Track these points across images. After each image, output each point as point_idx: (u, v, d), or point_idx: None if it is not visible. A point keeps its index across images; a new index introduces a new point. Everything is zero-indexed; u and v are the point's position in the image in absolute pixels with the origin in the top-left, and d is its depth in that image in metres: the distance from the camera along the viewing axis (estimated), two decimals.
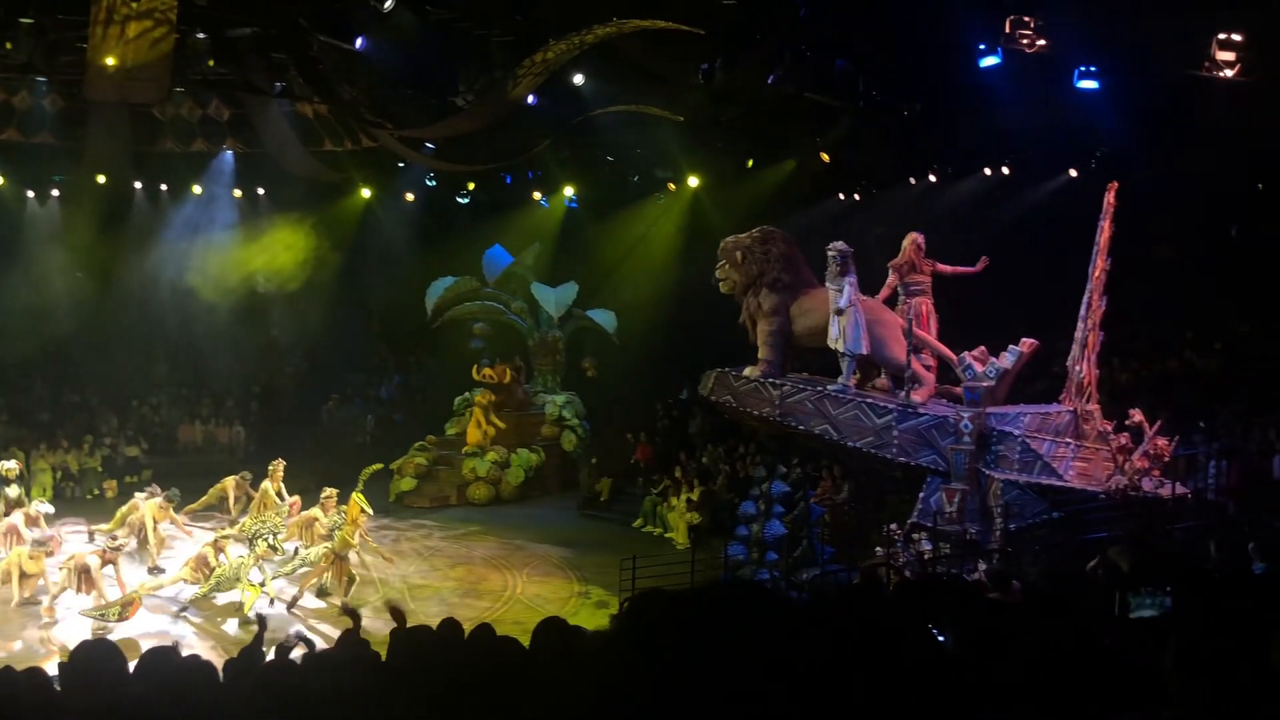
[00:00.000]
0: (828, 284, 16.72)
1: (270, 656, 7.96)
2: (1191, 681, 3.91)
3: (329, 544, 17.60)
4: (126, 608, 15.77)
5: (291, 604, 17.08)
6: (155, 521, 19.22)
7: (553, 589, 18.59)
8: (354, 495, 17.86)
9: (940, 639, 4.31)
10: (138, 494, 20.18)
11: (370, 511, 18.04)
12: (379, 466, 19.61)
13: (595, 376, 29.60)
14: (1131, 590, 6.77)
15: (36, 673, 5.31)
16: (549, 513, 25.15)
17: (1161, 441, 14.73)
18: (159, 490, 19.90)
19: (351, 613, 8.78)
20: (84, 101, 21.57)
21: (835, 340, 16.59)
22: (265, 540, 17.27)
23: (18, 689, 5.29)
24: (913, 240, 17.00)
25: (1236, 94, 15.07)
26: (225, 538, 17.30)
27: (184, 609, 16.50)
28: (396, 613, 8.37)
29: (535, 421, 28.15)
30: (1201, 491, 15.07)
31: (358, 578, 17.43)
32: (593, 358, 29.75)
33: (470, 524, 23.56)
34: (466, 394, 27.90)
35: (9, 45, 18.66)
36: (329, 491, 19.33)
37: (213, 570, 16.71)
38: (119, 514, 19.66)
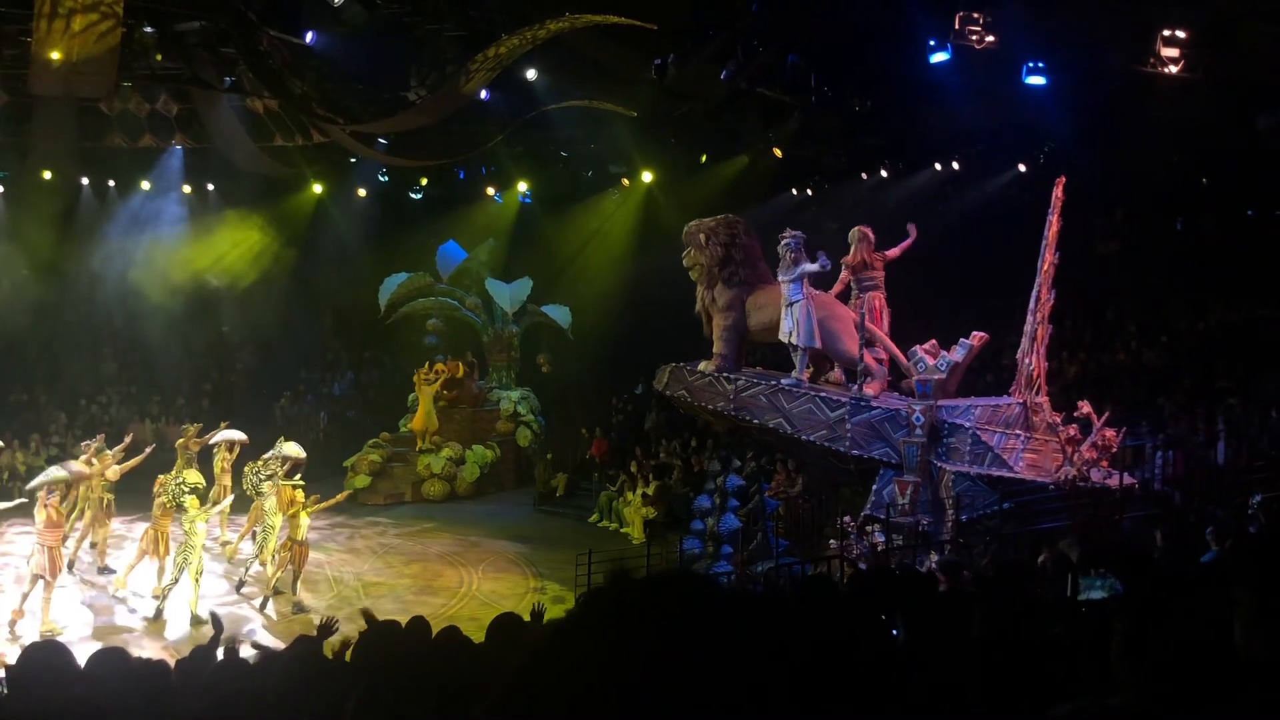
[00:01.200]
0: (780, 276, 16.77)
1: (220, 655, 7.89)
2: (1137, 668, 3.98)
3: (267, 524, 17.57)
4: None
5: (263, 605, 16.96)
6: (108, 482, 18.58)
7: (508, 585, 18.55)
8: (279, 482, 17.65)
9: (894, 631, 4.36)
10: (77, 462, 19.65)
11: (301, 484, 17.65)
12: (281, 441, 19.29)
13: (550, 372, 29.57)
14: (1082, 573, 6.89)
15: None
16: (504, 509, 25.11)
17: (1109, 433, 14.92)
18: (89, 446, 19.40)
19: (326, 628, 8.64)
20: (29, 96, 21.24)
21: (788, 334, 16.67)
22: (177, 497, 16.96)
23: None
24: (863, 235, 17.03)
25: (1181, 90, 15.31)
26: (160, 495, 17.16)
27: (159, 612, 16.21)
28: (371, 619, 8.26)
29: (490, 418, 28.09)
30: (1148, 482, 15.29)
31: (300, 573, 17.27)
32: (548, 353, 29.72)
33: (425, 521, 23.45)
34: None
35: None
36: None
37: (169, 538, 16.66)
38: (80, 498, 19.14)
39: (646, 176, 27.87)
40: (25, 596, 15.62)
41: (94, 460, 18.65)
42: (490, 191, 30.21)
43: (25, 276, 28.19)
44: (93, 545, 18.76)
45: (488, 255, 29.57)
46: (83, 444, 20.14)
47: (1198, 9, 14.45)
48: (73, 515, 18.57)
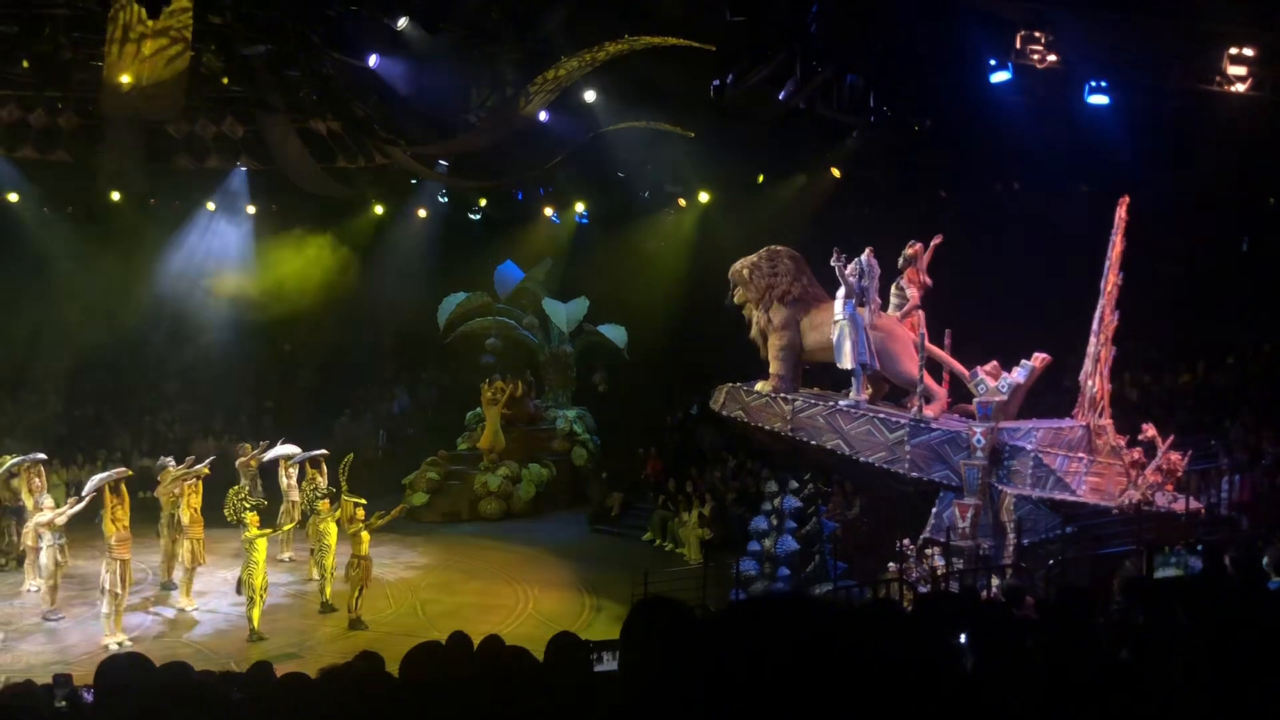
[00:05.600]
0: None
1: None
2: (1202, 694, 3.92)
3: (323, 542, 17.88)
4: None
5: (354, 622, 17.06)
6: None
7: (565, 604, 18.57)
8: (343, 498, 17.80)
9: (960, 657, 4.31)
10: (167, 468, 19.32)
11: (364, 503, 17.79)
12: (351, 457, 19.17)
13: (606, 391, 29.62)
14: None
15: (49, 688, 5.35)
16: (560, 527, 25.15)
17: (1174, 456, 14.68)
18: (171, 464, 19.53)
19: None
20: (99, 119, 21.73)
21: (837, 352, 16.58)
22: (238, 511, 17.22)
23: (37, 702, 5.34)
24: (914, 251, 16.96)
25: (1247, 108, 15.09)
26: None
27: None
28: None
29: (546, 436, 28.20)
30: (1214, 506, 15.01)
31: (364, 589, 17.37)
32: (603, 373, 29.80)
33: (482, 539, 23.57)
34: (478, 409, 27.94)
35: (26, 64, 18.86)
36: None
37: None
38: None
39: (703, 197, 27.93)
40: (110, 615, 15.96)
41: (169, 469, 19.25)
42: (548, 212, 30.42)
43: (93, 294, 28.72)
44: None
45: (545, 275, 29.78)
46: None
47: (1265, 27, 14.24)
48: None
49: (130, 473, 18.08)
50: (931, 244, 16.83)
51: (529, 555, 22.04)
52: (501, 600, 18.73)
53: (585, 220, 30.94)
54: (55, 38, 17.98)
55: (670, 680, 1.87)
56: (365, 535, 17.24)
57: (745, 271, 17.89)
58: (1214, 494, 15.42)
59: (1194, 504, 14.42)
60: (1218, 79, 14.28)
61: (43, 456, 19.64)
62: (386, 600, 18.40)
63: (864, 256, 16.62)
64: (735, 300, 18.14)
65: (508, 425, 27.22)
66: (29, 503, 18.45)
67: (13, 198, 27.55)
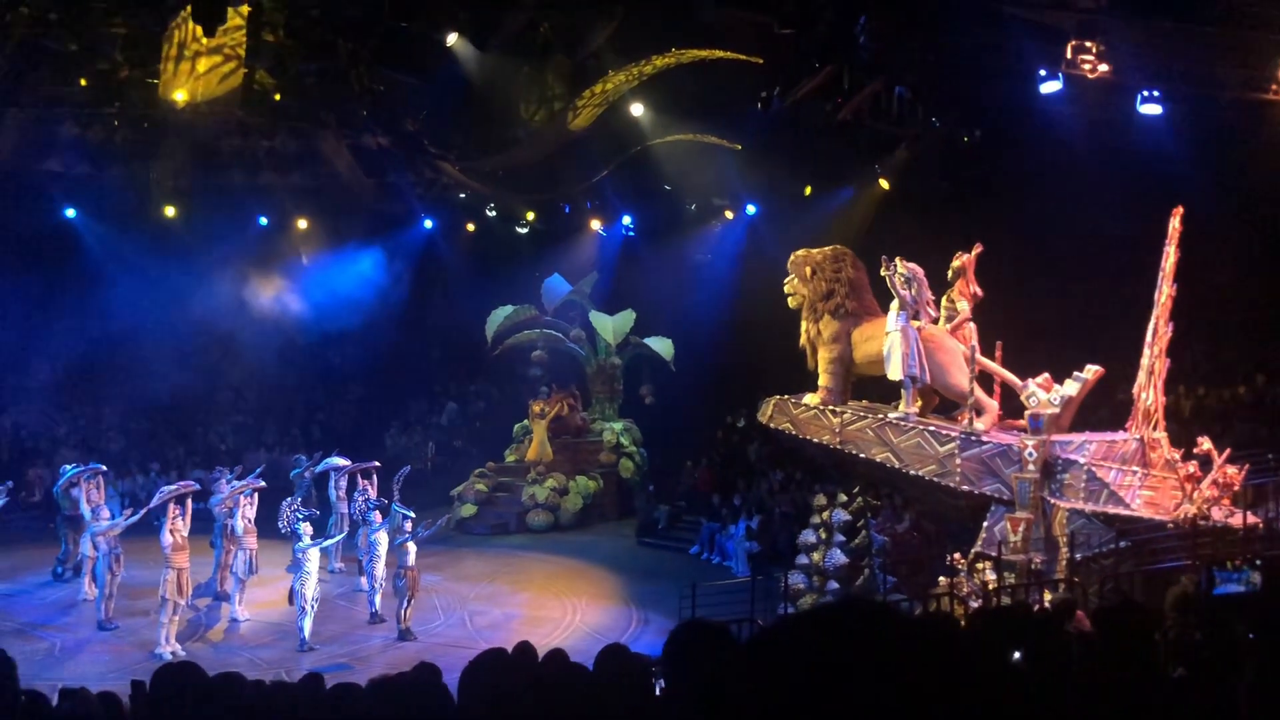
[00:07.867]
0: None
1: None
2: (1266, 711, 3.86)
3: (375, 552, 18.06)
4: None
5: (403, 633, 17.17)
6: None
7: (612, 617, 18.56)
8: (393, 508, 18.05)
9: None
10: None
11: (412, 514, 17.95)
12: (407, 469, 19.75)
13: (653, 404, 29.62)
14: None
15: (109, 696, 5.43)
16: (607, 540, 25.16)
17: (1230, 470, 14.44)
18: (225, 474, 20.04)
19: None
20: (153, 135, 22.08)
21: (886, 364, 16.49)
22: (292, 524, 17.33)
23: (91, 710, 5.42)
24: (964, 264, 16.84)
25: None
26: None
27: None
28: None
29: (593, 449, 28.23)
30: (1272, 521, 14.73)
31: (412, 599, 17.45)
32: (650, 385, 29.79)
33: (530, 551, 23.62)
34: (526, 421, 28.05)
35: (83, 82, 19.23)
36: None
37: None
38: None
39: (750, 208, 27.88)
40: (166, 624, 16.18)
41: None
42: (595, 225, 30.51)
43: (148, 309, 29.11)
44: None
45: (591, 288, 29.85)
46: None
47: None
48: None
49: (197, 487, 18.40)
50: (973, 254, 16.72)
51: (576, 567, 22.06)
52: (549, 612, 18.76)
53: (632, 233, 31.02)
54: (113, 56, 18.32)
55: (713, 706, 1.86)
56: (412, 546, 17.35)
57: (808, 270, 17.75)
58: (1272, 509, 15.14)
59: (1251, 519, 14.17)
60: (1273, 88, 14.10)
61: (102, 467, 20.06)
62: (435, 611, 18.48)
63: (898, 264, 16.50)
64: (786, 291, 18.03)
65: (555, 437, 27.33)
66: (87, 513, 18.73)
67: (70, 213, 28.06)
